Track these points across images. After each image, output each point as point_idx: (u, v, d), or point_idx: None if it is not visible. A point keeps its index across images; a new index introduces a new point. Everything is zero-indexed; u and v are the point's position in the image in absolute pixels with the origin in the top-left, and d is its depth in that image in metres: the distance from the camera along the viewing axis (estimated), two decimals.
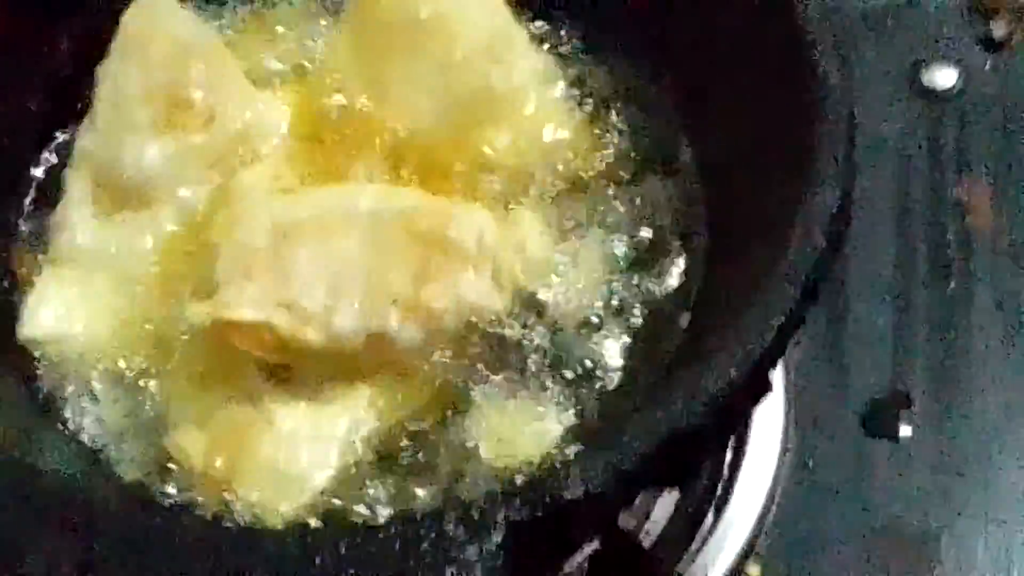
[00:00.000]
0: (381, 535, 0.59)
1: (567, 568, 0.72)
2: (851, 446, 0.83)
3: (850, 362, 0.86)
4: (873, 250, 0.90)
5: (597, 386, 0.68)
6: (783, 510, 0.79)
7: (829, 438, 0.82)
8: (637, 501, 0.74)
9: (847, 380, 0.86)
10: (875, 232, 0.92)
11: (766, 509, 0.79)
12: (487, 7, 0.76)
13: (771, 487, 0.80)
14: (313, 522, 0.65)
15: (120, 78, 0.75)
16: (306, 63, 0.80)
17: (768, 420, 0.81)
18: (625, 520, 0.75)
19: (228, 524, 0.65)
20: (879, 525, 0.80)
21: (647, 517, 0.77)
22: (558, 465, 0.63)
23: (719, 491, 0.79)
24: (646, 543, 0.77)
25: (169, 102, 0.74)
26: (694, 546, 0.77)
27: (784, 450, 0.81)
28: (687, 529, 0.78)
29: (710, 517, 0.78)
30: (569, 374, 0.69)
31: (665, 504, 0.78)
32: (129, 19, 0.75)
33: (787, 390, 0.82)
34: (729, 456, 0.80)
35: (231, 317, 0.68)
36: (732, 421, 0.67)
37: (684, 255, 0.72)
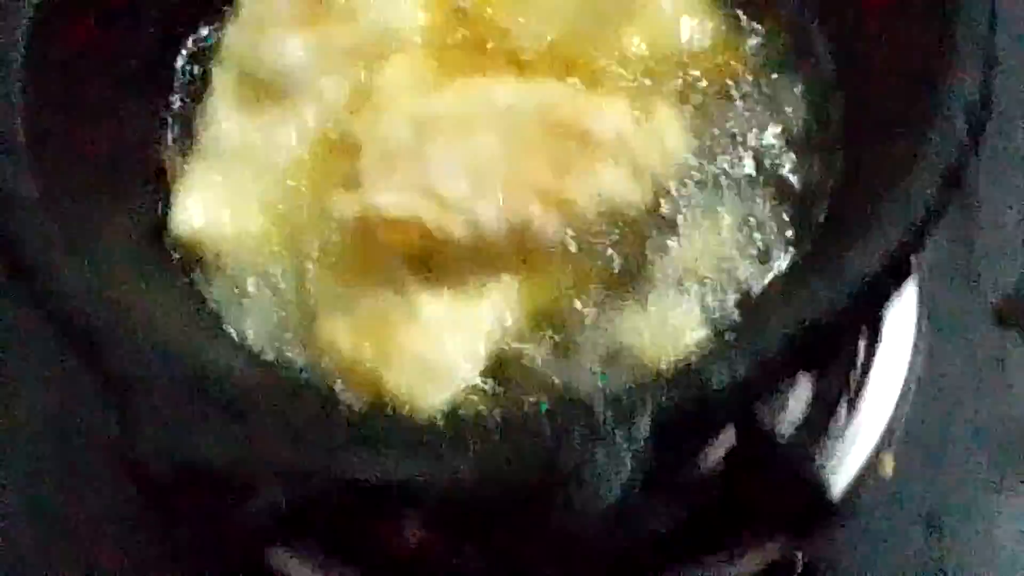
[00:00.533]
0: (530, 423, 0.60)
1: (706, 464, 0.73)
2: (983, 343, 0.83)
3: (982, 258, 0.86)
4: (1004, 149, 0.89)
5: (739, 278, 0.69)
6: (916, 405, 0.80)
7: (961, 334, 0.82)
8: (774, 393, 0.75)
9: (979, 277, 0.85)
10: (1005, 131, 0.91)
11: (900, 403, 0.79)
12: None
13: (904, 382, 0.80)
14: (463, 411, 0.66)
15: None
16: None
17: (901, 314, 0.81)
18: (761, 414, 0.76)
19: (379, 415, 0.66)
20: (1010, 422, 0.80)
21: (782, 410, 0.78)
22: (703, 354, 0.64)
23: (853, 385, 0.79)
24: (781, 437, 0.77)
25: None
26: (828, 438, 0.78)
27: (916, 346, 0.81)
28: (821, 422, 0.78)
29: (844, 409, 0.79)
30: (709, 268, 0.69)
31: (800, 397, 0.78)
32: None
33: (919, 285, 0.82)
34: (863, 350, 0.80)
35: (377, 208, 0.69)
36: (872, 309, 0.67)
37: (821, 149, 0.72)
